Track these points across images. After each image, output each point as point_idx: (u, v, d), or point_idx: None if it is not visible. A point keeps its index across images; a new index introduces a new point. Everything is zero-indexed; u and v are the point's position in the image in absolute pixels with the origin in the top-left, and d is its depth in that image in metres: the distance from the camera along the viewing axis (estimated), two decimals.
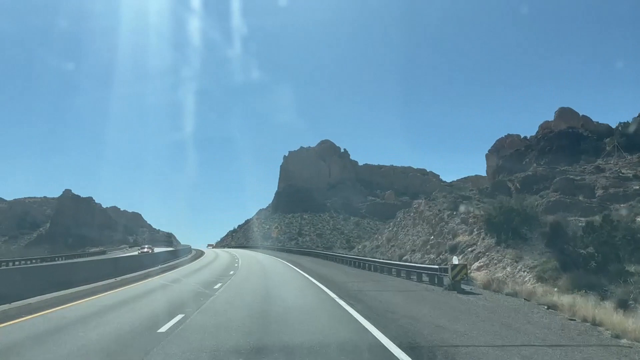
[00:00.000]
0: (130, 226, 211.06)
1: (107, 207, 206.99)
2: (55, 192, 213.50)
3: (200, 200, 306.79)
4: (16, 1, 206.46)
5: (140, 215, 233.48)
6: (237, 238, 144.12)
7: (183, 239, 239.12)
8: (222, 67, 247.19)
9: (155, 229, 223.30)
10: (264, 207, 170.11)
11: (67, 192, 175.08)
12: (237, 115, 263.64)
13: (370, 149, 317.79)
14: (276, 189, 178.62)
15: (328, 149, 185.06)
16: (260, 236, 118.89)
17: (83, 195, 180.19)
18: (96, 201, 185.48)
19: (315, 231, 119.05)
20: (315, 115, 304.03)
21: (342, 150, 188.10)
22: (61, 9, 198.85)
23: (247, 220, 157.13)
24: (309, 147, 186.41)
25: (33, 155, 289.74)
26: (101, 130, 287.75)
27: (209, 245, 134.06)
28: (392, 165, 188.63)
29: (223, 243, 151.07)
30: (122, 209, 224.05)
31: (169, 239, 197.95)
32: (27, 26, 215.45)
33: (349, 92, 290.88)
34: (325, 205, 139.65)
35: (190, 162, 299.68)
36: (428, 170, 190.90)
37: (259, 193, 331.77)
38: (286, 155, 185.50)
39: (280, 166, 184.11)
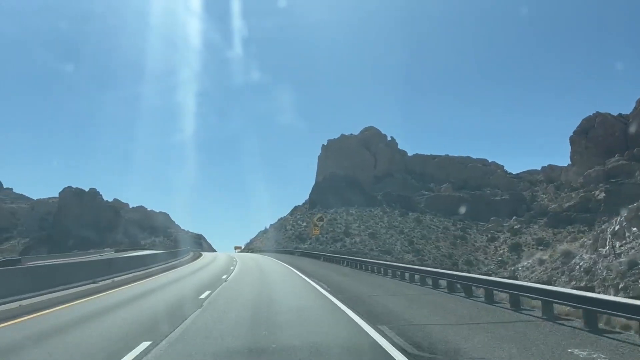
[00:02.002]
0: (159, 227, 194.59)
1: (134, 207, 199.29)
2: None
3: (231, 200, 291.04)
4: (16, 2, 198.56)
5: (168, 215, 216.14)
6: (269, 239, 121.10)
7: (214, 240, 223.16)
8: (223, 67, 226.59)
9: (184, 229, 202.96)
10: (300, 203, 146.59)
11: (68, 189, 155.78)
12: (267, 110, 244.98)
13: (419, 137, 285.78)
14: (313, 182, 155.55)
15: (373, 137, 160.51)
16: (296, 236, 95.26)
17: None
18: (104, 197, 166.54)
19: (366, 230, 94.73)
20: (355, 101, 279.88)
21: (388, 139, 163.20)
22: (62, 11, 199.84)
23: (281, 218, 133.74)
24: (351, 134, 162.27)
25: (62, 155, 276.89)
26: (127, 129, 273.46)
27: (236, 248, 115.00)
28: (448, 155, 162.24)
29: (252, 245, 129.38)
30: (149, 209, 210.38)
31: (198, 240, 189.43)
32: (26, 27, 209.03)
33: (391, 75, 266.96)
34: (374, 198, 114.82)
35: (219, 161, 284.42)
36: (490, 161, 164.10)
37: (294, 189, 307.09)
38: (325, 144, 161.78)
39: (319, 157, 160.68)
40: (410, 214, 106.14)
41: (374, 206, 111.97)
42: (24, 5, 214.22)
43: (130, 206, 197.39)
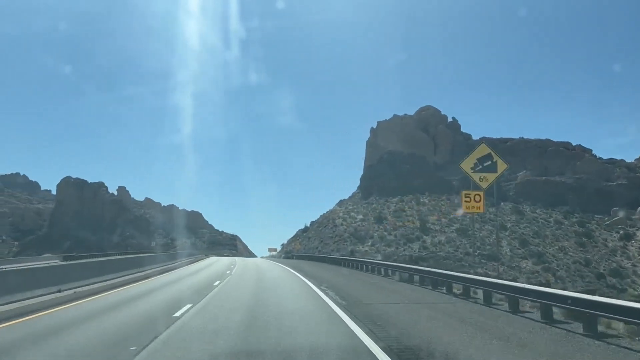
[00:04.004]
0: (190, 226, 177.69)
1: (166, 206, 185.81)
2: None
3: (268, 199, 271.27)
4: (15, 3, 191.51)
5: (200, 214, 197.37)
6: (309, 238, 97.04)
7: (249, 241, 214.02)
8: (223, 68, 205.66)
9: (217, 230, 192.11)
10: (346, 197, 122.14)
11: (69, 179, 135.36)
12: (308, 97, 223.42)
13: (485, 119, 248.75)
14: (361, 172, 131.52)
15: (431, 117, 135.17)
16: (350, 234, 71.30)
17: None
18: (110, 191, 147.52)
19: (449, 224, 69.89)
20: (409, 79, 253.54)
21: (449, 120, 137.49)
22: (62, 11, 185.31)
23: (323, 215, 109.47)
24: (405, 114, 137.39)
25: (88, 154, 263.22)
26: (154, 127, 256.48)
27: (270, 250, 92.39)
28: (523, 138, 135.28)
29: (290, 246, 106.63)
30: (180, 208, 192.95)
31: (232, 241, 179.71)
32: (25, 28, 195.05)
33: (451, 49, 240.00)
34: (447, 183, 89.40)
35: (255, 156, 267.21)
36: (574, 144, 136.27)
37: (337, 182, 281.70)
38: (374, 127, 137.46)
39: (367, 141, 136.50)
40: (502, 203, 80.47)
41: (448, 193, 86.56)
42: (23, 6, 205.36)
43: (163, 205, 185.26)
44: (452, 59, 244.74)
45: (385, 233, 69.83)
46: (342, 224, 77.80)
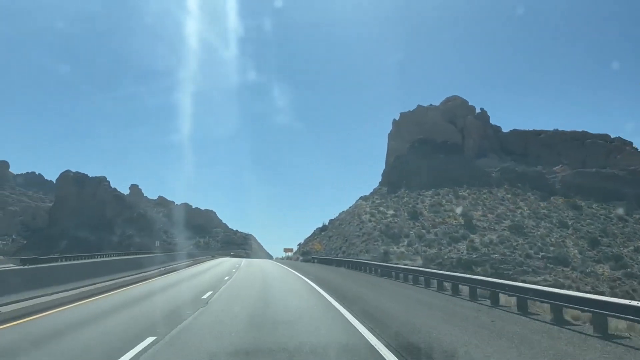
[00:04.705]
0: (204, 226, 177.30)
1: (179, 204, 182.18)
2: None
3: (283, 196, 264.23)
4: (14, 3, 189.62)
5: (214, 213, 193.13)
6: (330, 237, 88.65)
7: (264, 240, 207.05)
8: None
9: (231, 229, 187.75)
10: (367, 193, 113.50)
11: (68, 173, 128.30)
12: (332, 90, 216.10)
13: (515, 110, 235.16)
14: (383, 166, 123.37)
15: (458, 108, 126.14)
16: (382, 232, 62.80)
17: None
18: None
19: (499, 220, 61.08)
20: (434, 68, 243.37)
21: (477, 111, 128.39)
22: (59, 11, 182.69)
23: (345, 211, 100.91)
24: (430, 105, 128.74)
25: (94, 153, 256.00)
26: (169, 125, 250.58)
27: (285, 250, 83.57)
28: (558, 130, 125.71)
29: (306, 246, 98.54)
30: (194, 207, 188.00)
31: (247, 241, 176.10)
32: (24, 28, 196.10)
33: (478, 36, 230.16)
34: (485, 175, 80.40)
35: (269, 154, 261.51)
36: (613, 137, 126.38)
37: (354, 178, 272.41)
38: (396, 118, 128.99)
39: (389, 134, 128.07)
40: (551, 197, 71.46)
41: (489, 186, 77.53)
42: (23, 6, 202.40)
43: (176, 203, 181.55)
44: (478, 47, 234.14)
45: (424, 231, 61.13)
46: (370, 221, 68.94)
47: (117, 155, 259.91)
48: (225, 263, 51.79)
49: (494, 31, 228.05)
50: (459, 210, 67.80)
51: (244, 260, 55.70)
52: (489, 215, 65.24)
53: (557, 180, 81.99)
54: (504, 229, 58.98)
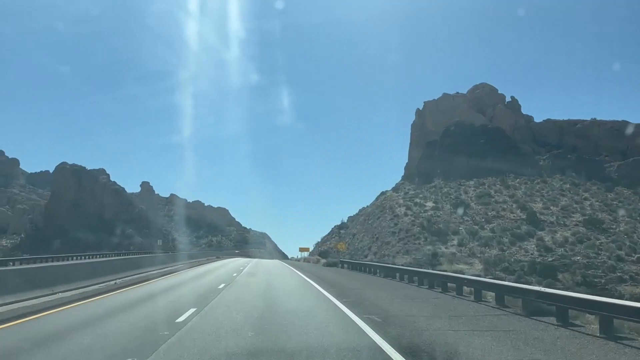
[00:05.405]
0: (216, 224, 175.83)
1: (191, 202, 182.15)
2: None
3: (299, 195, 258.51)
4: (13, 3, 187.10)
5: (227, 211, 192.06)
6: (354, 235, 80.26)
7: (279, 239, 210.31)
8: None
9: (245, 227, 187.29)
10: (388, 188, 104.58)
11: (64, 164, 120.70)
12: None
13: (548, 99, 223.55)
14: (405, 158, 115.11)
15: (486, 97, 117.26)
16: (422, 227, 53.81)
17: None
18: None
19: (565, 213, 51.91)
20: (458, 55, 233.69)
21: (507, 100, 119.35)
22: (59, 11, 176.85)
23: (368, 206, 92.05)
24: (457, 93, 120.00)
25: (115, 151, 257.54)
26: (180, 122, 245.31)
27: (301, 250, 75.68)
28: (595, 120, 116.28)
29: (324, 245, 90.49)
30: (206, 204, 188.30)
31: (261, 239, 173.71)
32: (24, 28, 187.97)
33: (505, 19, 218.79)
34: (535, 163, 71.30)
35: (282, 151, 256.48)
36: None
37: (374, 172, 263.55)
38: (420, 108, 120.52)
39: (412, 124, 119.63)
40: (615, 187, 62.25)
41: (539, 175, 68.32)
42: (23, 6, 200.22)
43: (188, 201, 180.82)
44: (504, 32, 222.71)
45: (476, 227, 51.95)
46: (406, 214, 59.34)
47: (125, 155, 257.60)
48: (220, 269, 37.34)
49: (518, 14, 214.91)
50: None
51: (249, 265, 43.60)
52: (552, 207, 56.08)
53: (612, 169, 72.77)
54: (576, 224, 49.73)
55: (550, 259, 38.52)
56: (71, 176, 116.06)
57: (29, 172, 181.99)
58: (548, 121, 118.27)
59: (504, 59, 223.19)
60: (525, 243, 45.87)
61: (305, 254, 79.95)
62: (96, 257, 45.75)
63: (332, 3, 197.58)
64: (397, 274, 26.27)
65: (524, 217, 51.92)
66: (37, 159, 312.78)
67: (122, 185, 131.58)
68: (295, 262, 62.44)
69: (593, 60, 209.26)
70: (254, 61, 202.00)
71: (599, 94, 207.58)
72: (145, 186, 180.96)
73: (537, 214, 52.20)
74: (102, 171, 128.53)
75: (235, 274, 30.30)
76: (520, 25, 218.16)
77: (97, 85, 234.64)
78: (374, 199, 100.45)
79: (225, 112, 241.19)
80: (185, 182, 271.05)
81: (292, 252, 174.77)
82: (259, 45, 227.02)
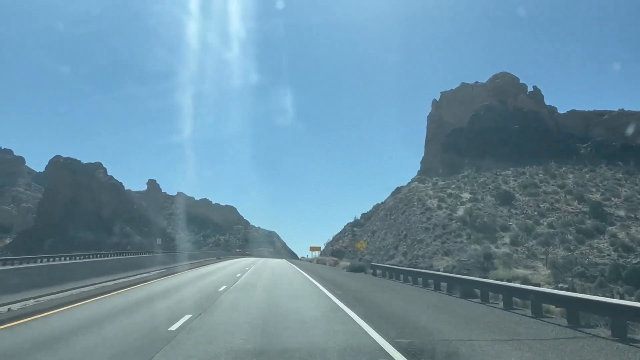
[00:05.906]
0: (223, 223, 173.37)
1: (198, 200, 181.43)
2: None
3: (309, 192, 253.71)
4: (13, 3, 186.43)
5: (235, 209, 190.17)
6: (374, 233, 74.18)
7: (289, 238, 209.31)
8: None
9: (253, 226, 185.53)
10: (403, 183, 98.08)
11: (59, 157, 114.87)
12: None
13: (571, 88, 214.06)
14: (422, 151, 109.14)
15: (507, 86, 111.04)
16: (462, 223, 47.34)
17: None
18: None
19: (630, 203, 45.53)
20: (478, 45, 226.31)
21: (529, 90, 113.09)
22: (59, 11, 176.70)
23: (389, 198, 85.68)
24: (476, 82, 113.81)
25: (120, 151, 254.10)
26: (181, 122, 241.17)
27: (312, 249, 71.92)
28: (624, 111, 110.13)
29: (337, 244, 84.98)
30: (213, 202, 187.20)
31: (270, 238, 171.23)
32: (24, 28, 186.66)
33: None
34: (576, 151, 65.07)
35: (289, 150, 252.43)
36: None
37: (386, 168, 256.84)
38: (437, 99, 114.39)
39: (429, 116, 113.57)
40: None
41: (582, 163, 62.08)
42: (23, 6, 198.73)
43: (195, 199, 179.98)
44: (524, 20, 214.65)
45: (529, 221, 45.36)
46: (441, 207, 52.22)
47: (129, 154, 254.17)
48: (212, 276, 28.39)
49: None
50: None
51: (249, 270, 33.43)
52: (613, 199, 49.73)
53: None
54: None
55: (636, 261, 32.08)
56: (66, 171, 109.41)
57: (37, 172, 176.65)
58: (573, 112, 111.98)
59: (522, 50, 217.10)
60: (596, 241, 39.34)
61: (317, 253, 74.06)
62: (86, 258, 39.81)
63: (332, 3, 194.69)
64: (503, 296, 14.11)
65: (586, 210, 45.46)
66: (39, 159, 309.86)
67: (120, 182, 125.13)
68: (306, 264, 54.53)
69: (618, 50, 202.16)
70: (256, 61, 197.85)
71: (622, 85, 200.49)
72: (152, 184, 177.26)
73: (602, 206, 45.85)
74: (98, 165, 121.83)
75: (223, 287, 20.04)
76: (538, 14, 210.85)
77: (98, 85, 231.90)
78: (387, 195, 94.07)
79: (228, 111, 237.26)
80: (190, 181, 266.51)
81: (302, 252, 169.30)
82: (260, 46, 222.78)
